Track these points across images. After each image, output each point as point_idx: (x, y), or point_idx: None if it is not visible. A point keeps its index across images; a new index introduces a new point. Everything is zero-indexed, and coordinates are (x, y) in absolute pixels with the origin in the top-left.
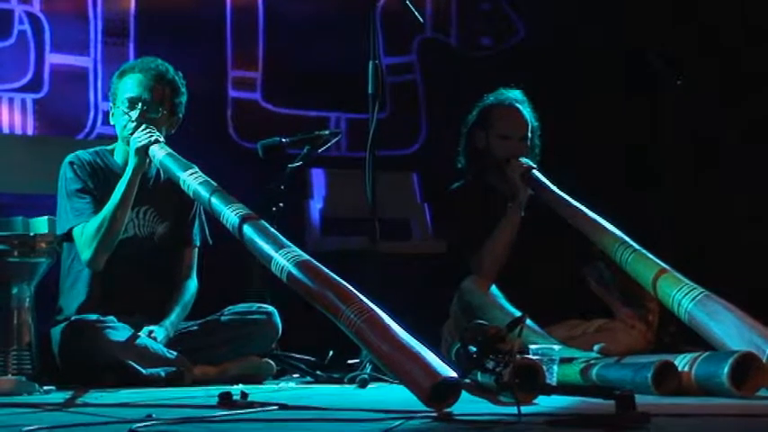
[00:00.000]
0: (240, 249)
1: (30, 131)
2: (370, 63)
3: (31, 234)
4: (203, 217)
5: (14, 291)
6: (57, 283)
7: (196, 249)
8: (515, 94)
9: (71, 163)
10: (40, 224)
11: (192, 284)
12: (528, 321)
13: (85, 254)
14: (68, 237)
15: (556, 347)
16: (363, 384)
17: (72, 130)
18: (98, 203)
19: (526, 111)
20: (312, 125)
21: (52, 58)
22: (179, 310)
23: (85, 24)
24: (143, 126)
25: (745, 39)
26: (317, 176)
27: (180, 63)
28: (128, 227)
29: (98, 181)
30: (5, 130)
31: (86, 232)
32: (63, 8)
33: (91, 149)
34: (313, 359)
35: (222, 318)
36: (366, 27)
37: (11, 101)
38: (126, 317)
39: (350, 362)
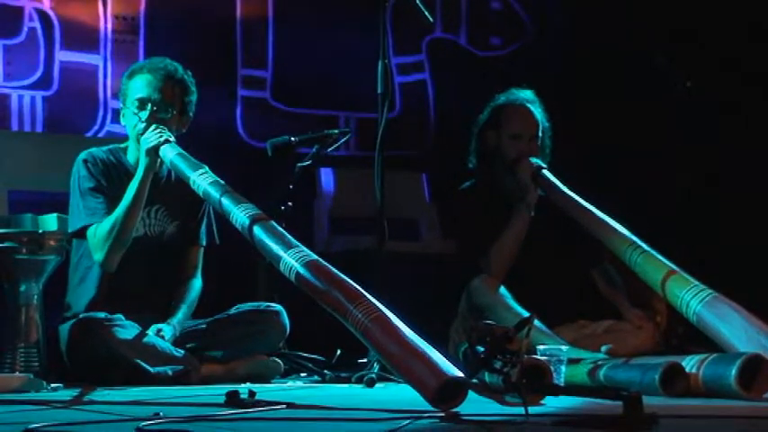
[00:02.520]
0: (249, 248)
1: (39, 129)
2: (380, 62)
3: (40, 231)
4: (212, 217)
5: (22, 288)
6: (65, 281)
7: (202, 249)
8: (526, 95)
9: (85, 161)
10: (50, 221)
11: (197, 284)
12: (536, 322)
13: (98, 255)
14: (77, 234)
15: (563, 348)
16: (371, 384)
17: (81, 128)
18: (111, 202)
19: (537, 111)
20: (321, 124)
21: (62, 56)
22: (185, 308)
23: (95, 22)
24: (153, 126)
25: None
26: (326, 176)
27: (189, 62)
28: (138, 226)
29: (111, 179)
30: (15, 127)
31: (99, 233)
32: (73, 6)
33: (104, 147)
34: (321, 358)
35: (230, 316)
36: (376, 26)
37: (20, 98)
38: (134, 315)
39: (358, 361)
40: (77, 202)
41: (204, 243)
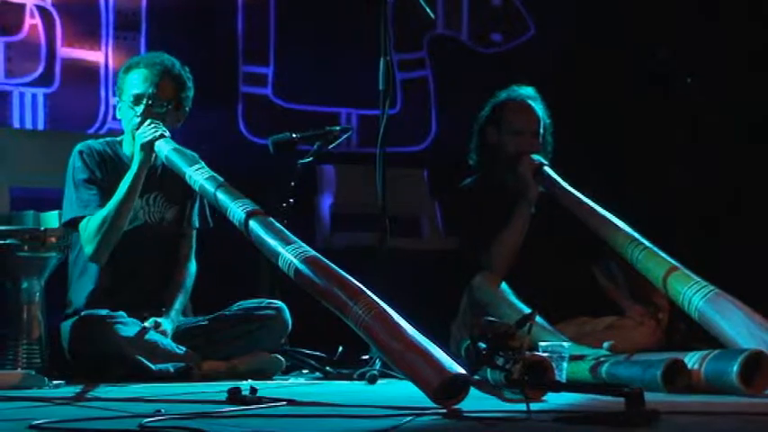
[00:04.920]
0: (250, 245)
1: (40, 126)
2: (381, 59)
3: (42, 228)
4: (205, 200)
5: (24, 285)
6: (67, 278)
7: (195, 232)
8: (528, 91)
9: (80, 152)
10: (51, 218)
11: (192, 268)
12: (538, 318)
13: (88, 248)
14: (69, 224)
15: (565, 344)
16: (373, 380)
17: (83, 125)
18: (105, 194)
19: (538, 107)
20: (323, 121)
21: (63, 53)
22: (182, 297)
23: (97, 18)
24: (148, 121)
25: None
26: (328, 172)
27: (191, 58)
28: (138, 214)
29: (107, 171)
30: (16, 124)
31: (90, 227)
32: (74, 2)
33: (101, 139)
34: (322, 355)
35: (232, 313)
36: (377, 23)
37: (22, 95)
38: (135, 308)
39: (360, 358)
40: (71, 194)
41: (197, 225)
